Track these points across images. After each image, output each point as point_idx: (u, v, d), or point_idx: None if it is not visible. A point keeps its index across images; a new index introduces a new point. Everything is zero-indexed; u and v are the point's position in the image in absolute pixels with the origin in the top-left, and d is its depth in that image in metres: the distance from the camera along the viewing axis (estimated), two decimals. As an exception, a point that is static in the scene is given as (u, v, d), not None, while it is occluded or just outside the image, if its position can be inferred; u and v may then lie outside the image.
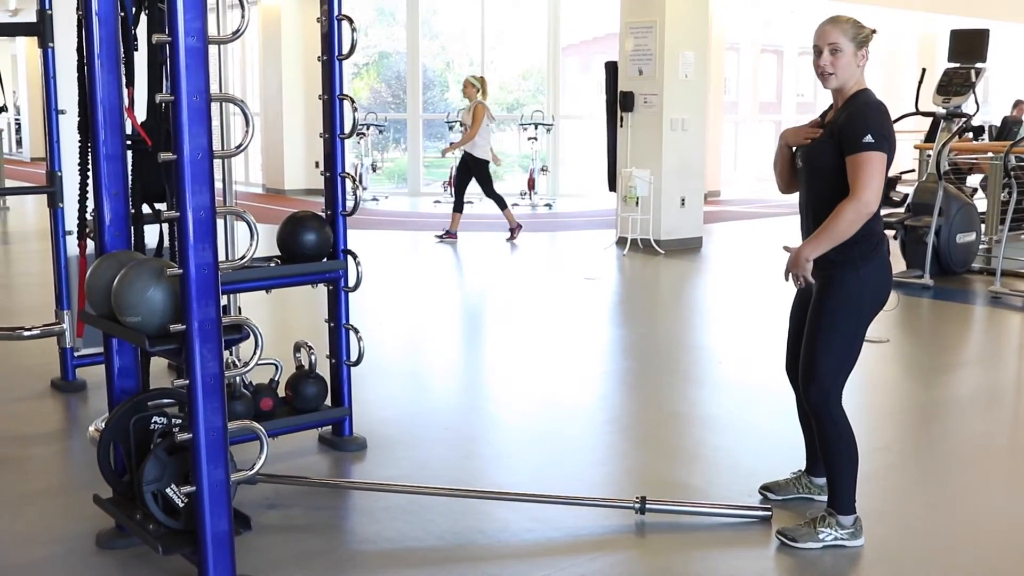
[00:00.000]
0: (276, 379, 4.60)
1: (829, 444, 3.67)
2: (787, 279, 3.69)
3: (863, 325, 3.65)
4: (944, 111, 9.40)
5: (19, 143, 26.42)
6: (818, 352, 3.62)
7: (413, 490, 4.11)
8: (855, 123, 3.52)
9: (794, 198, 3.86)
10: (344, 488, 4.26)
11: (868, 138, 3.48)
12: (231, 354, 4.56)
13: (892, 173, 12.59)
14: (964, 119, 9.44)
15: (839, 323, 3.61)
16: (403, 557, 3.62)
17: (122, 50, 3.63)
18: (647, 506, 3.90)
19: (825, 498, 3.89)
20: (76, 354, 5.64)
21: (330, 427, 4.76)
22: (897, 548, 3.77)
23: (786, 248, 3.70)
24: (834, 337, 3.61)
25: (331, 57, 4.48)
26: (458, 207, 11.81)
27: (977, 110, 9.59)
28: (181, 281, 3.02)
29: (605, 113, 11.73)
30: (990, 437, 5.15)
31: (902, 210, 9.70)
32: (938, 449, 4.99)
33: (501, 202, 11.77)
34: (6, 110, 8.70)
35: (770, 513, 3.91)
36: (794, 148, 3.79)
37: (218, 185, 3.22)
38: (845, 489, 3.68)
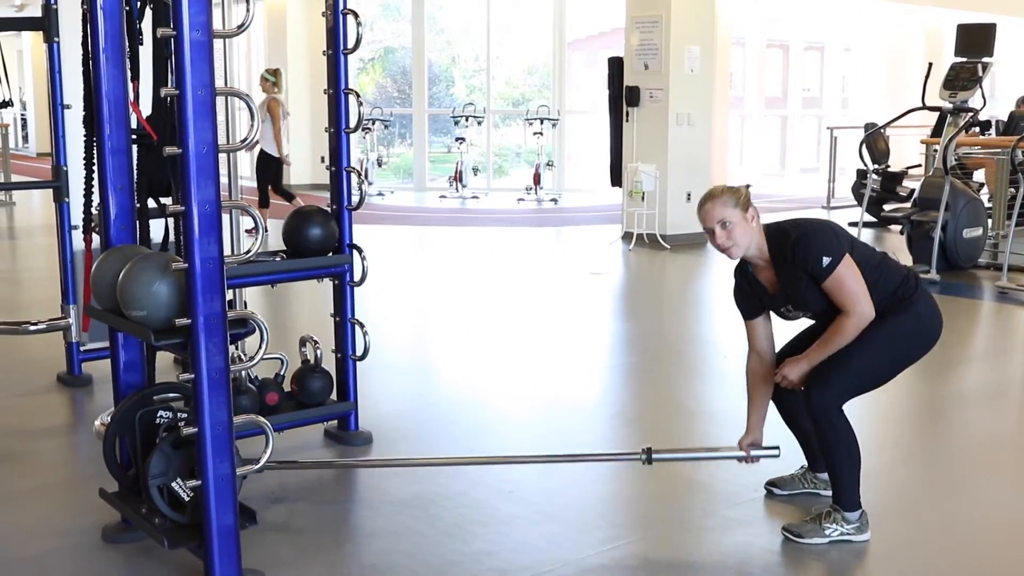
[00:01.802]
0: (282, 373, 4.60)
1: (829, 445, 3.67)
2: (778, 380, 3.77)
3: (904, 358, 3.71)
4: (951, 106, 9.38)
5: (25, 138, 26.44)
6: (845, 366, 3.60)
7: (416, 463, 4.08)
8: (804, 259, 3.54)
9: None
10: (353, 467, 4.26)
11: (825, 260, 3.52)
12: (237, 348, 4.56)
13: (898, 168, 12.59)
14: (971, 114, 9.42)
15: (884, 348, 3.62)
16: (409, 552, 3.62)
17: (127, 44, 3.63)
18: (653, 456, 3.89)
19: (830, 492, 3.90)
20: (82, 348, 5.64)
21: (336, 421, 4.76)
22: (904, 543, 3.76)
23: (778, 375, 3.76)
24: (872, 358, 3.62)
25: (336, 51, 4.47)
26: (264, 203, 11.43)
27: (984, 105, 9.57)
28: (186, 275, 3.02)
29: (608, 108, 11.70)
30: (997, 432, 5.14)
31: (909, 205, 9.69)
32: (944, 444, 4.98)
33: (288, 196, 11.47)
34: (12, 105, 8.70)
35: (778, 452, 3.91)
36: (785, 311, 3.77)
37: (223, 179, 3.22)
38: (848, 485, 3.68)
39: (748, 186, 3.70)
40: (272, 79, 11.41)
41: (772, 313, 3.82)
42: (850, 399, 3.66)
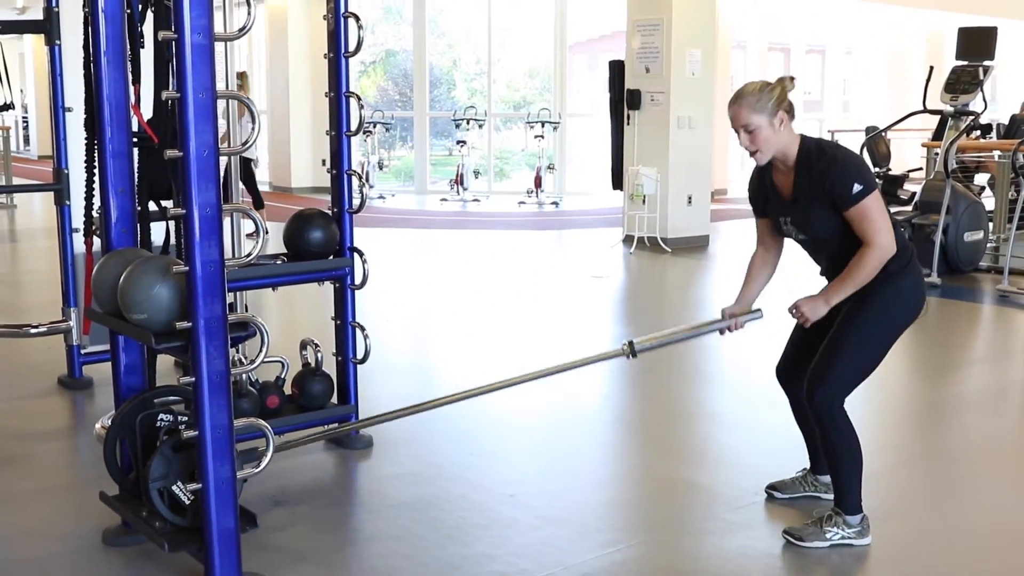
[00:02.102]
0: (283, 377, 4.60)
1: (832, 445, 3.66)
2: (794, 315, 3.68)
3: (892, 338, 3.67)
4: (952, 109, 9.37)
5: (26, 140, 26.45)
6: (837, 357, 3.60)
7: (417, 409, 4.04)
8: (834, 179, 3.49)
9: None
10: (357, 427, 4.41)
11: (856, 187, 3.46)
12: (237, 351, 4.56)
13: (899, 172, 12.59)
14: (972, 117, 9.41)
15: (871, 333, 3.61)
16: (409, 555, 3.62)
17: (128, 47, 3.63)
18: (636, 348, 3.84)
19: (831, 496, 3.90)
20: (83, 351, 5.64)
21: (336, 425, 4.76)
22: (905, 547, 3.76)
23: (795, 314, 3.68)
24: (861, 346, 3.61)
25: (337, 55, 4.48)
26: (259, 204, 11.33)
27: (985, 108, 9.56)
28: (187, 278, 3.02)
29: (608, 112, 11.70)
30: (998, 435, 5.14)
31: (910, 208, 9.68)
32: (945, 448, 4.98)
33: (259, 203, 11.39)
34: (13, 107, 8.70)
35: (760, 314, 3.85)
36: (783, 222, 3.73)
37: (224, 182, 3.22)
38: (850, 488, 3.67)
39: (785, 85, 3.60)
40: (239, 81, 11.40)
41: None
42: (852, 391, 3.65)
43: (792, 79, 3.64)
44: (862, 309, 3.59)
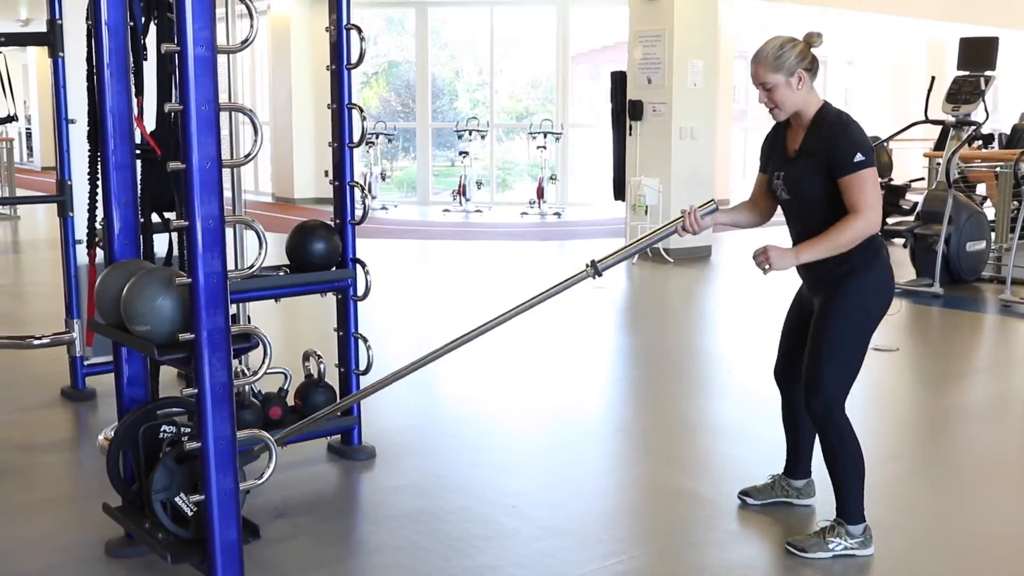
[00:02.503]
0: (285, 388, 4.60)
1: (834, 454, 3.66)
2: (757, 263, 3.60)
3: (868, 333, 3.65)
4: (953, 119, 9.38)
5: (30, 152, 26.49)
6: (823, 362, 3.61)
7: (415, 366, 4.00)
8: (839, 144, 3.50)
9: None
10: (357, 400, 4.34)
11: (859, 156, 3.47)
12: (240, 363, 4.56)
13: (901, 182, 12.60)
14: (974, 127, 9.42)
15: (844, 332, 3.60)
16: (412, 567, 3.62)
17: (131, 60, 3.64)
18: (599, 266, 3.80)
19: (805, 501, 3.99)
20: (86, 363, 5.64)
21: (339, 436, 4.76)
22: (908, 558, 3.76)
23: (758, 257, 3.60)
24: (839, 346, 3.60)
25: (340, 66, 4.49)
26: None
27: (987, 118, 9.57)
28: (190, 290, 3.03)
29: (611, 123, 11.71)
30: (1001, 446, 5.13)
31: (912, 218, 9.68)
32: (949, 458, 4.98)
33: None
34: (16, 119, 8.71)
35: (714, 206, 3.77)
36: (775, 176, 3.74)
37: (227, 194, 3.23)
38: (853, 498, 3.67)
39: (811, 41, 3.61)
40: None
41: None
42: (848, 390, 3.65)
43: (819, 35, 3.64)
44: (833, 308, 3.60)
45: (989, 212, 10.32)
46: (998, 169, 10.32)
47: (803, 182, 3.60)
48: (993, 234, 9.70)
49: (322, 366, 4.64)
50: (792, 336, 3.88)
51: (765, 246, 3.57)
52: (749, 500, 4.13)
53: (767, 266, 3.57)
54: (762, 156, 3.87)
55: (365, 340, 4.64)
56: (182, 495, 3.31)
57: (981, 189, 12.32)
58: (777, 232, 3.95)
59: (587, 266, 3.81)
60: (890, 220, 11.74)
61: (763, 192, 3.86)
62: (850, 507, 3.68)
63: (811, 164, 3.57)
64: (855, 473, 3.66)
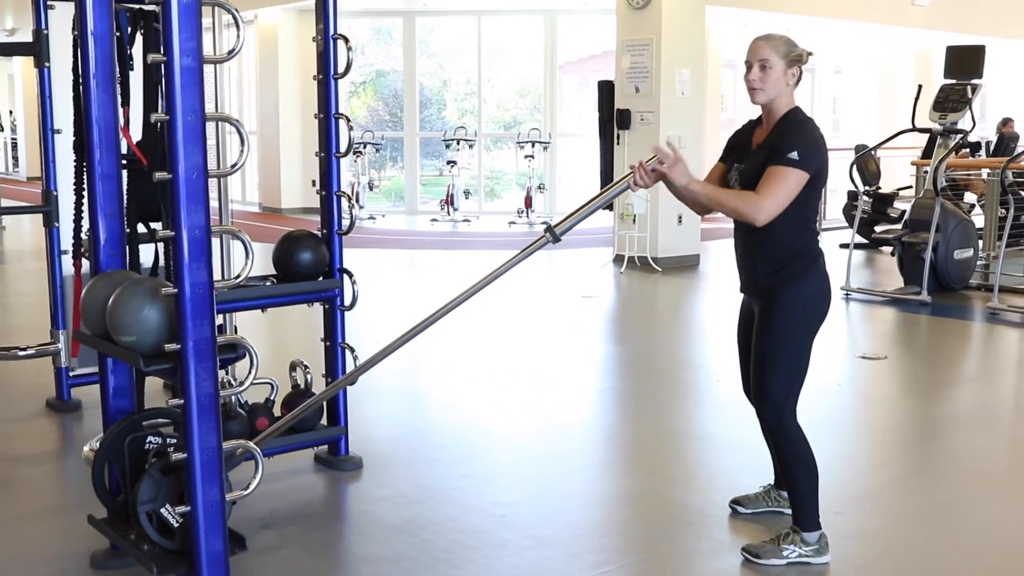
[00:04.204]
0: (272, 398, 4.58)
1: (788, 462, 3.70)
2: (657, 157, 3.54)
3: (808, 338, 3.67)
4: (940, 127, 9.41)
5: (15, 162, 26.42)
6: (767, 370, 3.64)
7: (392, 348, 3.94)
8: (786, 139, 3.53)
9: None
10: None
11: (794, 154, 3.48)
12: (227, 373, 4.55)
13: (889, 190, 12.63)
14: (961, 135, 9.45)
15: (784, 339, 3.63)
16: (400, 577, 3.60)
17: (118, 70, 3.63)
18: (555, 232, 3.69)
19: None
20: (71, 374, 5.62)
21: (326, 446, 4.74)
22: (895, 566, 3.76)
23: (661, 153, 3.53)
24: (781, 353, 3.63)
25: (327, 76, 4.48)
26: None
27: (973, 126, 9.60)
28: (176, 300, 3.01)
29: (598, 132, 11.72)
30: (989, 454, 5.14)
31: (899, 226, 9.70)
32: (936, 466, 4.98)
33: None
34: (2, 129, 8.70)
35: (665, 161, 3.58)
36: (733, 167, 3.75)
37: (213, 204, 3.21)
38: (807, 506, 3.69)
39: (810, 53, 3.65)
40: None
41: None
42: (797, 395, 3.67)
43: (810, 53, 3.67)
44: (772, 317, 3.64)
45: (977, 220, 10.35)
46: (985, 176, 10.36)
47: (756, 174, 3.61)
48: (981, 242, 9.72)
49: (309, 376, 4.63)
50: (746, 351, 3.88)
51: (678, 156, 3.52)
52: (740, 509, 4.13)
53: (661, 165, 3.51)
54: (726, 147, 3.89)
55: (352, 350, 4.62)
56: (168, 506, 3.29)
57: (969, 197, 12.37)
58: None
59: (545, 233, 3.71)
60: (878, 228, 11.79)
61: (717, 179, 3.83)
62: (804, 514, 3.69)
63: (764, 159, 3.59)
64: (808, 480, 3.68)
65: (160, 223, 4.18)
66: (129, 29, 4.01)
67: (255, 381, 3.34)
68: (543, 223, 15.60)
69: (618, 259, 11.24)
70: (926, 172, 9.73)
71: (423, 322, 3.76)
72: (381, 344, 3.82)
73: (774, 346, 3.63)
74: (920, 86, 10.28)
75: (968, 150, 12.05)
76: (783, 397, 3.64)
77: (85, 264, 4.34)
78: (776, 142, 3.56)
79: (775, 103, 3.62)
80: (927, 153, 10.85)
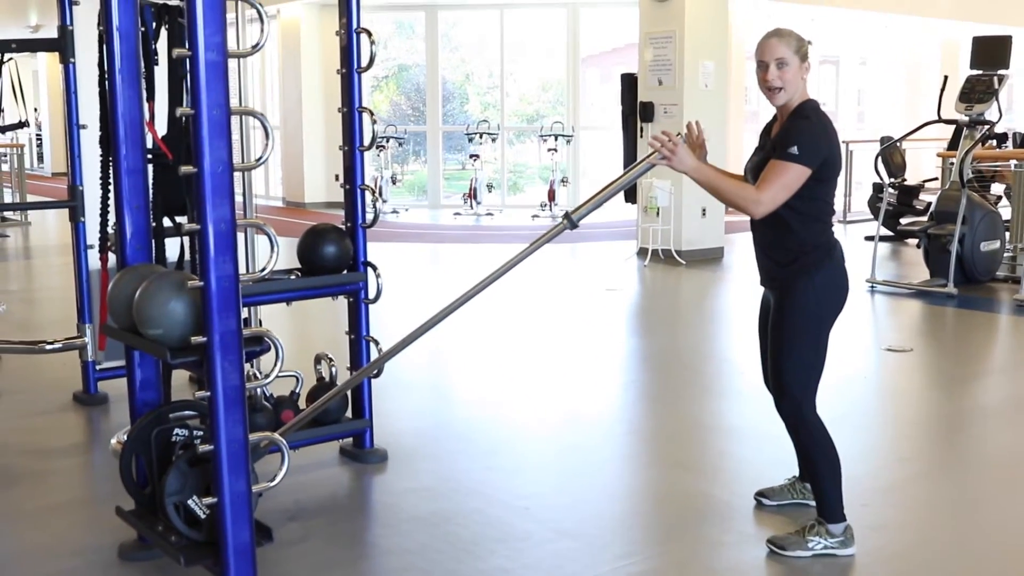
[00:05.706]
0: (297, 391, 4.61)
1: (809, 454, 3.69)
2: (663, 142, 3.61)
3: (824, 330, 3.66)
4: (967, 118, 9.35)
5: (40, 158, 26.61)
6: (784, 363, 3.64)
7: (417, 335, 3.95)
8: (790, 133, 3.54)
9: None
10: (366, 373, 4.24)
11: (794, 149, 3.48)
12: (252, 366, 4.56)
13: (914, 182, 12.55)
14: (987, 126, 9.39)
15: (800, 332, 3.62)
16: (425, 569, 3.61)
17: (142, 65, 3.65)
18: (573, 218, 3.69)
19: None
20: (98, 367, 5.66)
21: (351, 439, 4.76)
22: (921, 558, 3.74)
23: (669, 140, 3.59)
24: (797, 346, 3.62)
25: (350, 70, 4.49)
26: None
27: (1000, 117, 9.54)
28: (202, 293, 3.03)
29: (620, 125, 11.69)
30: (1016, 447, 5.10)
31: (925, 218, 9.65)
32: (963, 460, 4.95)
33: None
34: (28, 125, 8.74)
35: (686, 136, 3.73)
36: (751, 160, 3.77)
37: (238, 199, 3.23)
38: (831, 497, 3.68)
39: (809, 42, 3.69)
40: None
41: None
42: (815, 388, 3.67)
43: (809, 42, 3.72)
44: (786, 311, 3.64)
45: (1004, 212, 10.27)
46: (1012, 168, 10.28)
47: (763, 167, 3.61)
48: (1008, 234, 9.65)
49: (334, 369, 4.65)
50: (767, 344, 3.87)
51: (675, 142, 3.59)
52: (765, 501, 4.13)
53: (668, 151, 3.57)
54: (759, 141, 3.91)
55: (376, 343, 4.64)
56: (195, 498, 3.31)
57: (996, 189, 12.28)
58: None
59: (563, 219, 3.72)
60: (904, 220, 11.72)
61: (750, 168, 3.86)
62: (828, 506, 3.68)
63: (772, 152, 3.60)
64: (831, 472, 3.67)
65: (185, 217, 4.19)
66: (154, 24, 4.03)
67: (280, 374, 3.36)
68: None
69: (642, 252, 11.21)
70: (952, 164, 9.68)
71: (446, 308, 3.77)
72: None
73: (790, 340, 3.63)
74: (946, 77, 10.22)
75: (995, 141, 11.97)
76: (800, 390, 3.63)
77: (111, 258, 4.36)
78: (782, 136, 3.57)
79: (791, 99, 3.63)
80: (953, 144, 10.78)
